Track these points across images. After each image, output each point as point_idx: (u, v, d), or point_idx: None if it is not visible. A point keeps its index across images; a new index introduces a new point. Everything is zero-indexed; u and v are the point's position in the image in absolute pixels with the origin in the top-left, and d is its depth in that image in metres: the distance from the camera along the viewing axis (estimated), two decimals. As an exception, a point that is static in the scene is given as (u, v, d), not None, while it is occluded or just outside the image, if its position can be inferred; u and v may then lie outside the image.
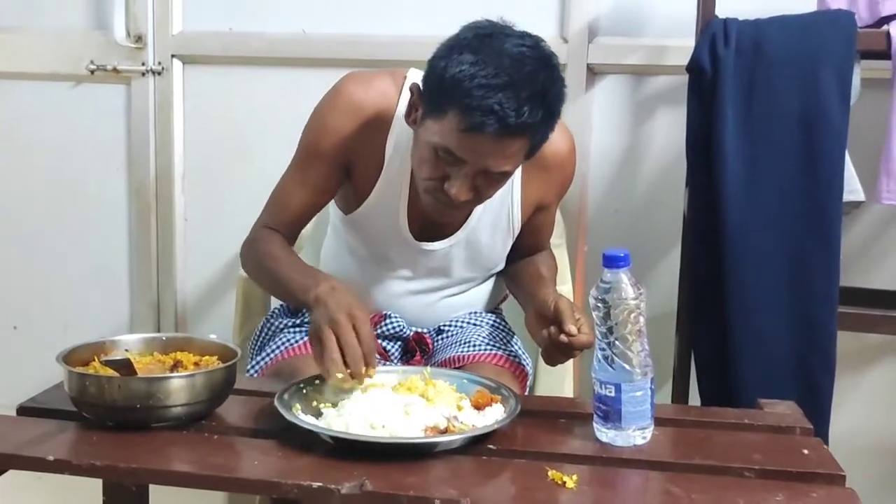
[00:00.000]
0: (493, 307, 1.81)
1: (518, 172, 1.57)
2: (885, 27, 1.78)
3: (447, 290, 1.70)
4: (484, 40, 1.35)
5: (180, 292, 2.60)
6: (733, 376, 1.78)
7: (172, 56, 2.48)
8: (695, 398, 1.94)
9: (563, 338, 1.33)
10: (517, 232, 1.65)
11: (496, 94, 1.30)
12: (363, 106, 1.54)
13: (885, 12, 1.78)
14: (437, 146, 1.37)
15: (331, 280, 1.39)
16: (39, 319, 2.69)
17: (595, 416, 1.21)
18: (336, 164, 1.57)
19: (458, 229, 1.61)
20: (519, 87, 1.31)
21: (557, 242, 1.91)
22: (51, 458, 1.12)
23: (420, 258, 1.63)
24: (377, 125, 1.54)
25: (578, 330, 1.33)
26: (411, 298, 1.68)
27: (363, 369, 1.26)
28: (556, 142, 1.54)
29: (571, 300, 1.46)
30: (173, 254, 2.57)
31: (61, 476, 1.12)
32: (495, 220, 1.62)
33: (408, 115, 1.46)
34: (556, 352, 1.37)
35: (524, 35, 1.37)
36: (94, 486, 1.34)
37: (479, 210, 1.59)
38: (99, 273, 2.63)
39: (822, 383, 1.75)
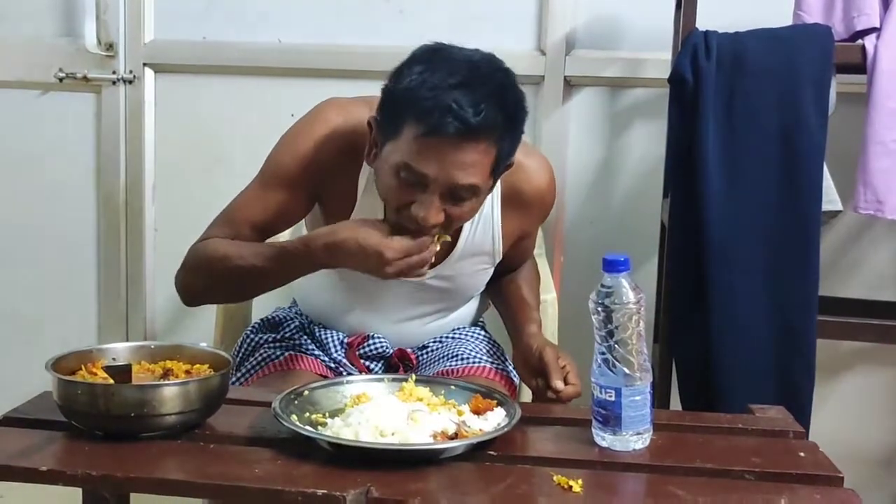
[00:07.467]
0: (476, 321, 1.80)
1: (497, 209, 1.53)
2: (859, 41, 1.82)
3: (428, 317, 1.67)
4: (434, 53, 1.32)
5: (149, 304, 2.55)
6: (716, 383, 1.79)
7: (144, 65, 2.43)
8: (675, 405, 1.95)
9: (550, 394, 1.39)
10: (499, 259, 1.61)
11: (451, 93, 1.24)
12: (340, 135, 1.47)
13: (860, 27, 1.81)
14: (398, 165, 1.30)
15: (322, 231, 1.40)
16: (3, 331, 2.61)
17: (594, 420, 1.21)
18: (304, 191, 1.50)
19: (439, 263, 1.53)
20: (474, 85, 1.26)
21: (538, 252, 1.91)
22: (43, 468, 1.08)
23: (400, 291, 1.58)
24: (352, 156, 1.46)
25: (565, 380, 1.39)
26: (393, 326, 1.65)
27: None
28: (535, 178, 1.53)
29: (556, 343, 1.49)
30: (143, 265, 2.52)
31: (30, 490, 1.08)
32: (477, 252, 1.57)
33: (368, 153, 1.40)
34: (547, 403, 1.41)
35: (476, 49, 1.34)
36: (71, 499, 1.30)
37: (460, 245, 1.54)
38: (66, 284, 2.56)
39: (802, 390, 1.78)
